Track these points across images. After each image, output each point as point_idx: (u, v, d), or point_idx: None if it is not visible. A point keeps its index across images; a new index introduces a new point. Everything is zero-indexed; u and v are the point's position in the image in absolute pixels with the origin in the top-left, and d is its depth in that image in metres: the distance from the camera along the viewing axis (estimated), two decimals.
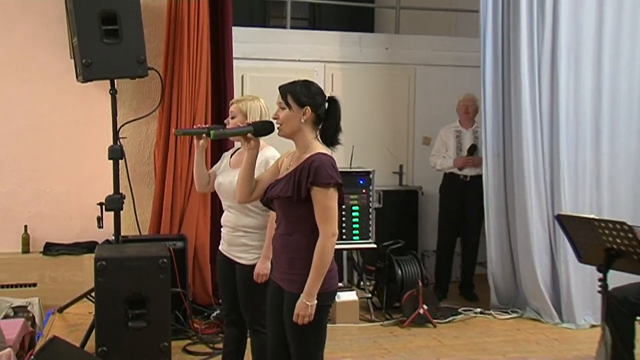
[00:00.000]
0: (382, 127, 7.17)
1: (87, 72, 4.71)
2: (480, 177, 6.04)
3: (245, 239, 3.75)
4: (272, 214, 3.59)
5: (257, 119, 3.70)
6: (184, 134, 4.37)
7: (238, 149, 4.02)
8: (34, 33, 5.91)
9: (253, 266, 3.72)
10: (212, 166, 4.18)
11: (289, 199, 3.05)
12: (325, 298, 3.05)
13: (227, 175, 3.86)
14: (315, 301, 2.99)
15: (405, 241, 6.12)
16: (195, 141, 3.84)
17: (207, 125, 4.13)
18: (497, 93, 5.89)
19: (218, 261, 3.96)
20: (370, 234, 5.80)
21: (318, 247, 2.99)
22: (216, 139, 3.42)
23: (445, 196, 6.50)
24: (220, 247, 3.96)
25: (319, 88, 3.17)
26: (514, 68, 5.80)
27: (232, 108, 3.87)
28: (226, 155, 4.09)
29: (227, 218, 3.86)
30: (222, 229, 3.92)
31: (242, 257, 3.76)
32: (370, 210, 5.82)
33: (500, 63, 5.88)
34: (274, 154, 3.74)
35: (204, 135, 3.76)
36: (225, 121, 3.97)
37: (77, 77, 5.01)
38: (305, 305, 2.98)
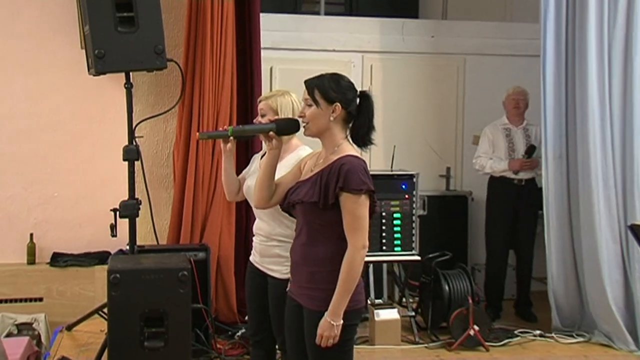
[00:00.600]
0: (427, 125, 7.16)
1: (99, 64, 4.71)
2: (534, 180, 5.97)
3: (280, 250, 3.76)
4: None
5: (290, 116, 3.73)
6: (209, 137, 4.27)
7: None
8: (41, 21, 5.98)
9: (287, 280, 3.67)
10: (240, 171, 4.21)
11: (314, 205, 3.07)
12: (352, 316, 3.06)
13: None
14: (341, 321, 3.00)
15: (453, 253, 6.06)
16: (222, 145, 3.81)
17: (232, 126, 4.07)
18: (559, 85, 5.80)
19: (248, 273, 3.99)
20: (413, 245, 5.79)
21: (346, 260, 3.00)
22: (235, 136, 3.45)
23: (496, 203, 6.45)
24: (251, 258, 3.99)
25: (349, 82, 3.18)
26: (579, 57, 5.71)
27: (261, 105, 3.89)
28: (256, 157, 4.11)
29: (260, 225, 3.88)
30: (253, 238, 3.95)
31: (276, 270, 3.77)
32: (414, 218, 5.81)
33: (564, 51, 5.79)
34: (311, 153, 3.73)
35: (230, 137, 3.74)
36: (255, 120, 3.99)
37: (88, 69, 5.00)
38: (330, 325, 2.99)
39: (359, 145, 3.17)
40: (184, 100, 5.71)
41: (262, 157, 3.98)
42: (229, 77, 5.76)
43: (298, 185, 3.22)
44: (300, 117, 3.21)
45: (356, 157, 3.10)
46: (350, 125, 3.17)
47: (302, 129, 3.26)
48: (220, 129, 4.02)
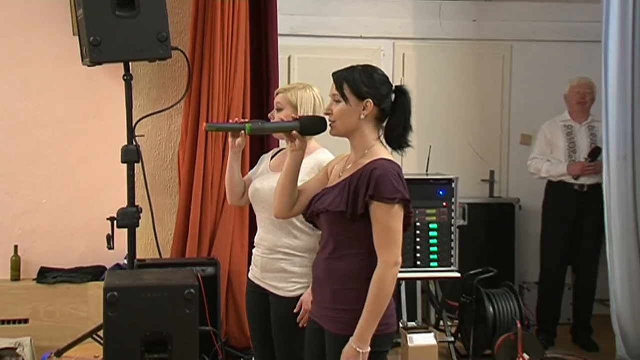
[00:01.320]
0: (468, 123, 7.16)
1: (95, 52, 4.71)
2: (600, 186, 5.92)
3: (286, 264, 3.77)
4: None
5: (310, 113, 3.73)
6: (218, 129, 4.46)
7: (282, 149, 4.05)
8: (29, 5, 5.99)
9: (294, 300, 3.73)
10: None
11: (341, 215, 3.07)
12: (382, 342, 3.05)
13: (266, 180, 3.88)
14: (369, 347, 2.99)
15: (498, 269, 6.07)
16: (230, 140, 3.85)
17: (246, 120, 4.07)
18: (624, 76, 5.72)
19: (248, 293, 4.00)
20: (452, 260, 5.82)
21: (376, 278, 3.00)
22: (253, 134, 3.47)
23: (553, 212, 6.42)
24: (250, 275, 3.99)
25: (383, 76, 3.18)
26: None
27: (278, 98, 3.89)
28: (265, 157, 4.12)
29: (264, 236, 3.88)
30: (254, 250, 3.95)
31: (280, 288, 3.78)
32: (453, 229, 5.84)
33: (630, 36, 5.70)
34: (329, 158, 3.74)
35: (242, 132, 3.77)
36: (269, 115, 3.99)
37: (82, 59, 5.03)
38: (356, 353, 2.98)
39: (393, 148, 3.17)
40: (191, 94, 5.70)
41: (272, 157, 4.04)
42: (242, 68, 5.75)
43: (324, 193, 3.22)
44: (326, 114, 3.21)
45: (390, 161, 3.10)
46: (384, 124, 3.18)
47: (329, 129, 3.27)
48: (231, 121, 4.05)
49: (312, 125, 3.26)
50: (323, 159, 3.71)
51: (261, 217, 3.91)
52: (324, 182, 3.31)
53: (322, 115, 3.29)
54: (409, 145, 3.17)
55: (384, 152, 3.14)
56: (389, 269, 2.99)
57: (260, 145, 5.74)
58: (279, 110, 3.84)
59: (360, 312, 3.00)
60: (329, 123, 3.22)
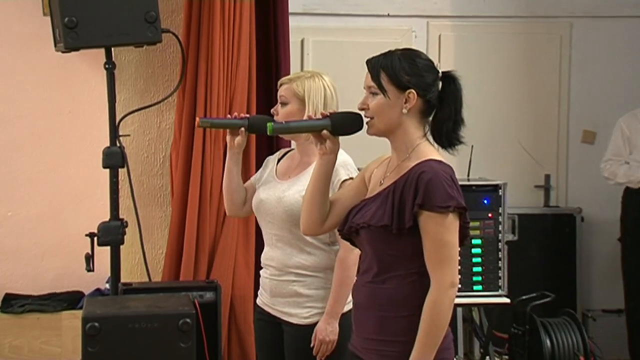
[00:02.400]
0: (518, 117, 7.15)
1: (71, 36, 4.70)
2: None
3: (299, 286, 3.83)
4: (344, 249, 3.72)
5: (320, 106, 3.82)
6: (213, 126, 4.45)
7: (289, 150, 4.14)
8: None
9: (310, 327, 3.78)
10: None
11: (385, 230, 3.09)
12: None
13: (272, 189, 3.94)
14: None
15: (556, 294, 6.03)
16: (228, 138, 3.93)
17: (247, 115, 4.18)
18: None
19: (255, 321, 4.08)
20: (500, 283, 5.71)
21: (429, 303, 3.01)
22: (275, 134, 3.52)
23: (635, 226, 6.39)
24: (258, 300, 4.05)
25: (427, 61, 3.22)
26: None
27: (281, 90, 3.97)
28: (270, 160, 4.18)
29: (271, 254, 3.94)
30: (261, 272, 4.02)
31: (294, 314, 3.83)
32: (500, 245, 5.72)
33: None
34: (345, 161, 3.82)
35: (241, 129, 3.86)
36: (272, 110, 4.04)
37: (55, 44, 5.02)
38: None
39: (442, 146, 3.19)
40: (185, 85, 5.67)
41: (279, 160, 4.12)
42: (246, 53, 5.74)
43: (363, 204, 3.24)
44: (361, 110, 3.23)
45: (439, 162, 3.12)
46: (430, 118, 3.21)
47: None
48: (229, 116, 4.09)
49: (346, 123, 3.27)
50: (339, 162, 3.65)
51: (267, 232, 3.96)
52: (362, 191, 3.33)
53: (355, 111, 3.30)
54: (460, 142, 3.20)
55: (431, 151, 3.17)
56: (445, 292, 3.01)
57: (269, 145, 5.73)
58: (284, 104, 3.93)
59: (412, 344, 3.02)
60: (365, 120, 3.24)
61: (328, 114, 3.31)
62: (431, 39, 6.94)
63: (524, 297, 5.95)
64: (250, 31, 5.77)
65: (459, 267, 5.21)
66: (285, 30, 5.88)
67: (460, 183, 5.41)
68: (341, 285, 3.74)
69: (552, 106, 7.23)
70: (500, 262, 5.72)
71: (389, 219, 3.07)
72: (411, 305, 3.06)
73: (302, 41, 6.64)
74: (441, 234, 3.02)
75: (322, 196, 3.30)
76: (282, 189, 3.90)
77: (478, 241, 5.73)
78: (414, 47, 6.15)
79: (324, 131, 3.24)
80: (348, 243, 3.36)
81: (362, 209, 3.21)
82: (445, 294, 3.01)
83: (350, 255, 3.68)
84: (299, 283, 3.82)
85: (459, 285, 5.13)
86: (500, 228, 5.73)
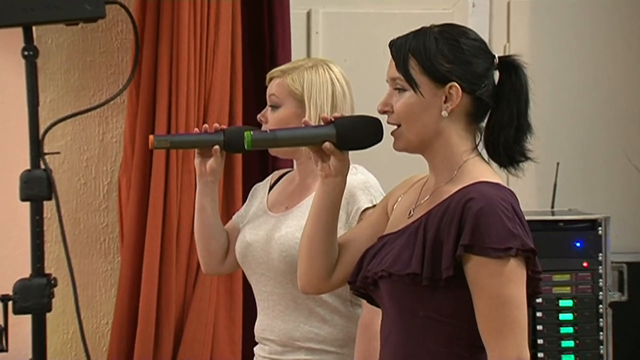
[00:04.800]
0: (622, 121, 6.35)
1: None
2: None
3: None
4: (367, 310, 3.34)
5: (326, 108, 3.55)
6: (173, 145, 3.89)
7: (287, 172, 3.87)
8: None
9: None
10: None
11: (414, 280, 2.75)
12: None
13: (263, 227, 3.62)
14: None
15: None
16: (196, 163, 3.57)
17: (224, 127, 3.65)
18: None
19: None
20: (602, 358, 5.34)
21: None
22: (256, 149, 3.20)
23: None
24: None
25: (477, 40, 2.88)
26: None
27: (272, 87, 3.70)
28: (259, 188, 3.87)
29: (269, 323, 3.62)
30: (255, 349, 3.71)
31: None
32: (601, 308, 5.31)
33: None
34: (367, 182, 3.53)
35: (215, 147, 3.51)
36: (258, 116, 3.73)
37: None
38: None
39: (500, 164, 2.84)
40: (139, 80, 5.19)
41: (271, 187, 3.87)
42: (228, 34, 5.21)
43: (383, 243, 2.88)
44: (383, 112, 2.86)
45: (496, 184, 2.77)
46: (483, 124, 2.86)
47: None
48: (197, 130, 3.74)
49: (357, 132, 2.95)
50: (358, 183, 3.43)
51: (261, 291, 3.62)
52: (382, 225, 3.00)
53: (369, 115, 2.97)
54: (527, 157, 2.85)
55: (485, 170, 2.83)
56: None
57: (261, 166, 5.22)
58: (275, 107, 3.64)
59: None
60: (389, 128, 2.96)
61: (332, 119, 3.02)
62: (495, 10, 6.16)
63: None
64: (234, 1, 5.30)
65: (540, 342, 5.34)
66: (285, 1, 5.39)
67: (539, 218, 5.58)
68: None
69: None
70: (601, 333, 5.35)
71: (417, 264, 2.75)
72: None
73: (309, 13, 5.94)
74: (500, 289, 2.69)
75: (326, 237, 3.01)
76: (277, 225, 3.54)
77: (568, 302, 5.37)
78: (470, 19, 6.07)
79: (326, 143, 2.92)
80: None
81: (381, 250, 2.90)
82: None
83: (376, 318, 3.27)
84: None
85: None
86: (600, 283, 5.41)
